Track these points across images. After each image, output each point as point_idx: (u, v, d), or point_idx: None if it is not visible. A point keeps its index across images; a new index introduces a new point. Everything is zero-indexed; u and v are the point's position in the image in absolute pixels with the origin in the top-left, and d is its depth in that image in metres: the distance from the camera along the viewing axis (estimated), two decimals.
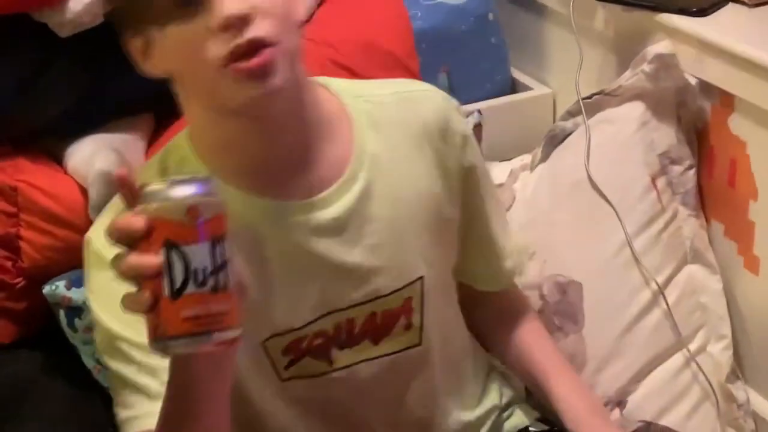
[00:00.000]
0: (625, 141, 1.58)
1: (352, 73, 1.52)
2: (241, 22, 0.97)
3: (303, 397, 1.18)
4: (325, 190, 1.11)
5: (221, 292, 0.85)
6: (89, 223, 1.34)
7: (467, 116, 1.69)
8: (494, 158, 1.72)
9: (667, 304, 1.52)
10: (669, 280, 1.53)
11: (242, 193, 1.09)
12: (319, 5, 1.67)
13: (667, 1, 1.58)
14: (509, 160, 1.74)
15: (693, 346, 1.53)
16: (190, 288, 0.84)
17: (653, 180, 1.56)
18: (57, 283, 1.43)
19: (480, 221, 1.25)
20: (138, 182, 0.86)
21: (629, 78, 1.57)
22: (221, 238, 0.85)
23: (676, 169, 1.58)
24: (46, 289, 1.43)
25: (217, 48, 0.98)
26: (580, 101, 1.62)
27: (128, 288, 0.91)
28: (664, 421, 1.49)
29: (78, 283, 1.39)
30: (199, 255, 0.84)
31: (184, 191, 0.85)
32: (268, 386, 1.15)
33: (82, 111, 1.49)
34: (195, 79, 1.05)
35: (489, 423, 1.31)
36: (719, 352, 1.54)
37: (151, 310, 0.84)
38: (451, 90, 1.51)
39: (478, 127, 1.74)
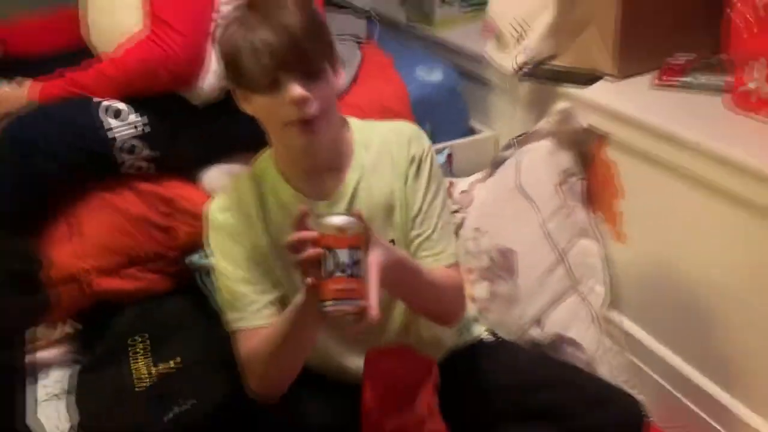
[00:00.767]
0: (541, 163, 1.63)
1: None
2: (302, 101, 1.08)
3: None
4: (334, 192, 1.19)
5: (354, 277, 0.98)
6: None
7: (443, 150, 1.81)
8: (461, 175, 1.83)
9: (568, 263, 1.61)
10: (569, 247, 1.62)
11: (294, 192, 1.19)
12: (352, 83, 1.75)
13: (565, 78, 1.64)
14: (470, 176, 1.79)
15: (584, 288, 1.62)
16: (337, 273, 0.97)
17: (558, 186, 1.62)
18: (195, 255, 1.54)
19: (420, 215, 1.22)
20: (311, 212, 1.01)
21: (543, 124, 1.65)
22: (356, 247, 0.99)
23: (572, 179, 1.63)
24: (187, 260, 1.55)
25: (286, 113, 1.09)
26: (514, 139, 1.71)
27: (231, 240, 1.14)
28: (568, 334, 1.58)
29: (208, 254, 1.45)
30: (343, 255, 0.98)
31: (337, 219, 1.00)
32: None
33: (209, 151, 1.59)
34: (269, 127, 1.15)
35: (454, 334, 1.33)
36: (600, 291, 1.61)
37: (316, 286, 0.98)
38: (433, 135, 1.46)
39: (450, 157, 1.84)
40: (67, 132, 1.47)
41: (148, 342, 1.51)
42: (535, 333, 1.60)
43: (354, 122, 1.24)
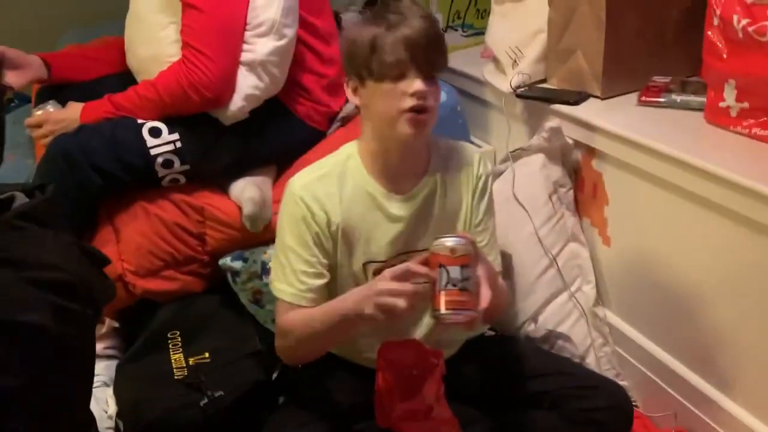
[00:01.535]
0: (534, 175, 1.64)
1: None
2: (423, 94, 1.13)
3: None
4: (410, 190, 1.22)
5: (465, 291, 1.02)
6: (243, 226, 1.52)
7: None
8: None
9: (558, 265, 1.61)
10: (559, 251, 1.62)
11: (376, 184, 1.21)
12: None
13: (555, 97, 1.65)
14: None
15: (573, 288, 1.62)
16: (449, 287, 1.02)
17: (549, 196, 1.63)
18: (226, 258, 1.56)
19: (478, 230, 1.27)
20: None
21: (535, 141, 1.65)
22: (467, 265, 1.03)
23: (562, 190, 1.65)
24: (220, 262, 1.56)
25: (406, 102, 1.13)
26: (509, 153, 1.71)
27: (304, 219, 1.14)
28: (559, 329, 1.58)
29: (237, 258, 1.55)
30: (454, 272, 1.02)
31: (449, 241, 1.04)
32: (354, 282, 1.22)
33: (238, 164, 1.59)
34: (383, 114, 1.14)
35: (458, 340, 1.35)
36: (588, 290, 1.62)
37: (431, 298, 1.03)
38: None
39: None
40: (113, 148, 1.48)
41: (182, 337, 1.52)
42: (529, 329, 1.61)
43: (432, 134, 1.26)
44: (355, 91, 1.19)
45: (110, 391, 1.46)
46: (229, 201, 1.58)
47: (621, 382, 1.47)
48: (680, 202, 1.39)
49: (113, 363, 1.54)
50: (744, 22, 1.29)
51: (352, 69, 1.18)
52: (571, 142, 1.62)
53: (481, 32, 2.08)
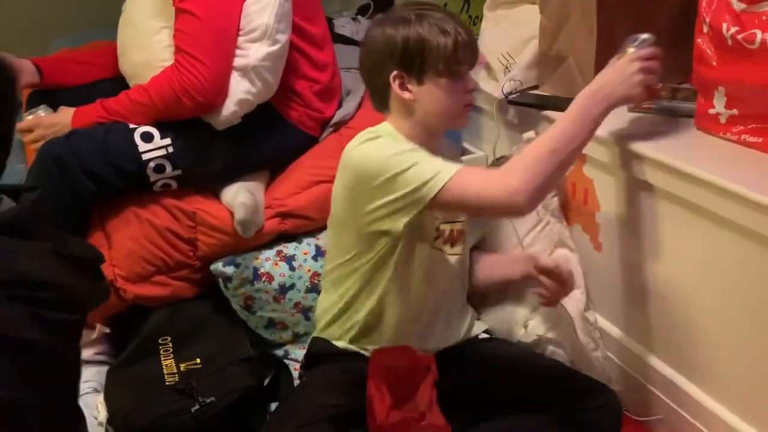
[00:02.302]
0: None
1: None
2: (473, 92, 1.28)
3: (425, 260, 1.30)
4: None
5: None
6: (235, 231, 1.52)
7: None
8: None
9: None
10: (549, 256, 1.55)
11: None
12: (357, 109, 1.74)
13: (547, 104, 1.66)
14: None
15: None
16: None
17: None
18: (218, 263, 1.55)
19: None
20: None
21: (515, 151, 1.66)
22: None
23: (547, 196, 1.56)
24: (212, 267, 1.55)
25: (464, 97, 1.26)
26: (495, 161, 1.74)
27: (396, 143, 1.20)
28: (549, 335, 1.57)
29: (229, 263, 1.55)
30: None
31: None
32: (423, 245, 1.29)
33: (230, 169, 1.59)
34: (447, 108, 1.25)
35: (465, 329, 1.42)
36: (578, 294, 1.59)
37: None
38: None
39: None
40: (104, 153, 1.48)
41: (173, 342, 1.52)
42: (520, 334, 1.60)
43: None
44: (402, 86, 1.25)
45: (101, 397, 1.46)
46: (221, 206, 1.59)
47: (612, 387, 1.45)
48: (671, 207, 1.39)
49: (104, 369, 1.53)
50: (733, 29, 1.29)
51: (406, 66, 1.24)
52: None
53: None
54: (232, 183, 1.59)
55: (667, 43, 1.57)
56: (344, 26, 2.19)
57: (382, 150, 1.22)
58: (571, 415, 1.26)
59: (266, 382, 1.50)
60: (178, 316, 1.56)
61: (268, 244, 1.61)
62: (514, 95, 1.73)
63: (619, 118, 1.53)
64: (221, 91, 1.47)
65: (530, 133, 1.65)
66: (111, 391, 1.45)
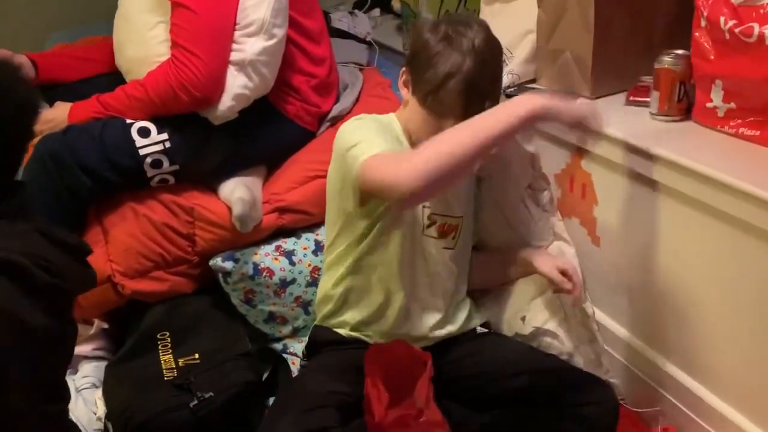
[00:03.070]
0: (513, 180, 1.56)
1: None
2: None
3: (409, 246, 1.33)
4: None
5: None
6: (233, 227, 1.52)
7: None
8: None
9: None
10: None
11: (411, 148, 1.26)
12: (354, 103, 1.75)
13: None
14: None
15: None
16: None
17: (522, 201, 1.56)
18: (216, 258, 1.54)
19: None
20: None
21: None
22: None
23: (537, 193, 1.58)
24: (211, 262, 1.54)
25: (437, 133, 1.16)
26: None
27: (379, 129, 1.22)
28: (546, 327, 1.56)
29: (228, 258, 1.54)
30: None
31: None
32: (410, 234, 1.32)
33: (227, 164, 1.58)
34: (416, 129, 1.26)
35: (464, 318, 1.44)
36: None
37: None
38: None
39: None
40: (101, 148, 1.47)
41: (172, 338, 1.51)
42: (517, 326, 1.60)
43: None
44: (405, 82, 1.28)
45: (99, 392, 1.46)
46: (218, 201, 1.58)
47: (609, 379, 1.47)
48: (668, 201, 1.39)
49: (102, 364, 1.53)
50: (731, 23, 1.29)
51: (410, 68, 1.27)
52: (534, 150, 1.56)
53: None
54: (230, 178, 1.58)
55: (664, 36, 1.59)
56: (341, 20, 2.19)
57: (352, 127, 1.26)
58: (567, 408, 1.27)
59: (265, 376, 1.50)
60: (177, 312, 1.56)
61: (267, 240, 1.60)
62: (512, 89, 1.73)
63: (617, 111, 1.53)
64: (218, 85, 1.46)
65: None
66: (110, 386, 1.45)
